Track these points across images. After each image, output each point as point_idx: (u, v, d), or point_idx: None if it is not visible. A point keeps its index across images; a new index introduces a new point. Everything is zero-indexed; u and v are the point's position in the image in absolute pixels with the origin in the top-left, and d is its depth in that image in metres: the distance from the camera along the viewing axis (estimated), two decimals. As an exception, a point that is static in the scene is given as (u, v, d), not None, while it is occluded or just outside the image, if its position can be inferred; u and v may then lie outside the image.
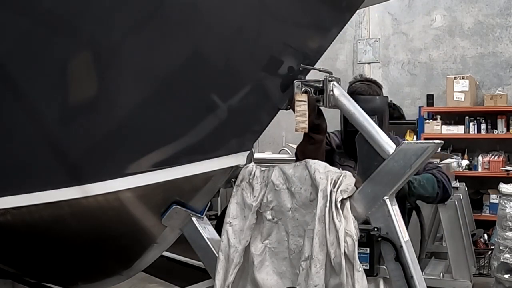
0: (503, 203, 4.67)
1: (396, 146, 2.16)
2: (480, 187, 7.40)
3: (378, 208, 2.15)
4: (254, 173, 2.38)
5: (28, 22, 2.23)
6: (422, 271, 2.26)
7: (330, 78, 2.37)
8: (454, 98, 7.42)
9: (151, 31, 2.23)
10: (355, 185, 2.20)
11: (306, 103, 2.38)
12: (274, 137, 8.13)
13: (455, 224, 4.72)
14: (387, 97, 3.09)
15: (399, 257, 2.11)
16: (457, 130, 7.41)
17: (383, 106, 2.88)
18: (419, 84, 8.14)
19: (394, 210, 2.16)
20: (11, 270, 3.07)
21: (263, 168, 2.39)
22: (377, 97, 2.93)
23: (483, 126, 7.31)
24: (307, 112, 2.39)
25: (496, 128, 7.30)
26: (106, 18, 2.20)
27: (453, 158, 6.46)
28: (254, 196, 2.34)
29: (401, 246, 2.12)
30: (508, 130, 7.25)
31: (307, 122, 2.40)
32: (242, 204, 2.36)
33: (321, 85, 2.39)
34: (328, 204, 2.15)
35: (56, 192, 2.36)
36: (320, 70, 2.43)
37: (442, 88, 7.82)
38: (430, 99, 7.72)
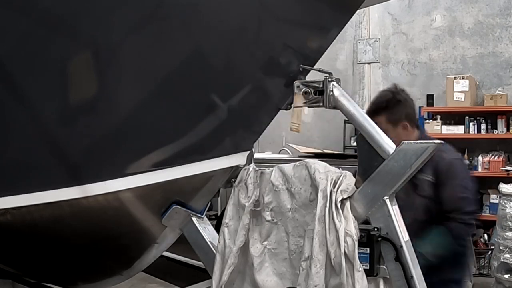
0: (503, 203, 4.68)
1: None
2: (480, 187, 7.38)
3: (378, 208, 2.15)
4: (249, 173, 2.38)
5: (28, 22, 2.23)
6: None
7: (330, 79, 2.37)
8: (454, 98, 7.42)
9: (151, 31, 2.23)
10: (355, 185, 2.20)
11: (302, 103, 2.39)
12: (274, 137, 8.13)
13: (455, 224, 4.69)
14: None
15: (399, 257, 2.11)
16: (457, 130, 7.41)
17: None
18: (419, 84, 8.14)
19: (394, 210, 2.16)
20: (11, 270, 3.07)
21: (257, 168, 2.38)
22: None
23: (483, 126, 7.31)
24: (301, 112, 2.39)
25: (496, 128, 7.29)
26: (106, 18, 2.21)
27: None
28: (248, 197, 2.34)
29: (401, 246, 2.11)
30: (508, 130, 7.24)
31: (300, 122, 2.41)
32: (237, 205, 2.37)
33: (321, 86, 2.39)
34: (328, 204, 2.15)
35: (56, 192, 2.36)
36: (320, 71, 2.43)
37: (442, 88, 7.82)
38: (430, 99, 7.72)
